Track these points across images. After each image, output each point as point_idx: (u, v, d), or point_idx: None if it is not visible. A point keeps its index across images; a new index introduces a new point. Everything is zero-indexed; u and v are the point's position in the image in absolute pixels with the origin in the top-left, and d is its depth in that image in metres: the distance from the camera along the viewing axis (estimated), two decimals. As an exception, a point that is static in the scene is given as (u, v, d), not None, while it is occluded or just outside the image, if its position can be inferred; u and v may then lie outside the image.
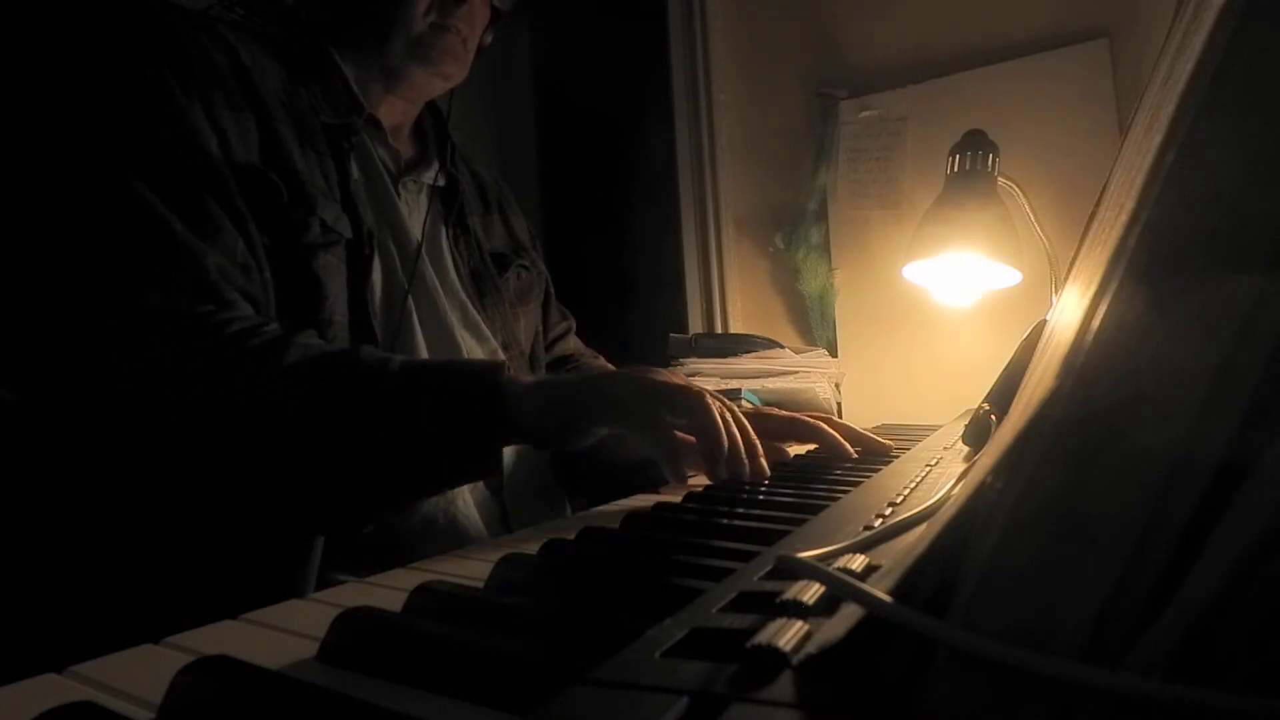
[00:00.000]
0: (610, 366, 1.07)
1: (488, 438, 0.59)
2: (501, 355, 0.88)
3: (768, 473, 0.61)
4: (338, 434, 0.59)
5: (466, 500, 0.77)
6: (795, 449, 0.91)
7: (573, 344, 1.09)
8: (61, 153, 0.67)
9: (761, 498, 0.55)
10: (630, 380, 0.61)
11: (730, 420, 0.60)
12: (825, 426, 0.78)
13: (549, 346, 1.04)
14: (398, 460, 0.60)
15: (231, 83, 0.70)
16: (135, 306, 0.60)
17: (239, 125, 0.69)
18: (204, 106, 0.67)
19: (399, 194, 0.83)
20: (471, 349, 0.84)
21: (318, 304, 0.70)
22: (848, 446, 0.76)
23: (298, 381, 0.59)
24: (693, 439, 0.58)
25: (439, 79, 0.84)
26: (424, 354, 0.79)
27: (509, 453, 0.84)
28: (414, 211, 0.85)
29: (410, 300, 0.78)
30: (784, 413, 0.85)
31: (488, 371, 0.60)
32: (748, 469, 0.59)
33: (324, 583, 0.65)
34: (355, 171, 0.78)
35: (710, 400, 0.59)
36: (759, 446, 0.62)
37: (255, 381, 0.59)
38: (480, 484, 0.80)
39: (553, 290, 1.07)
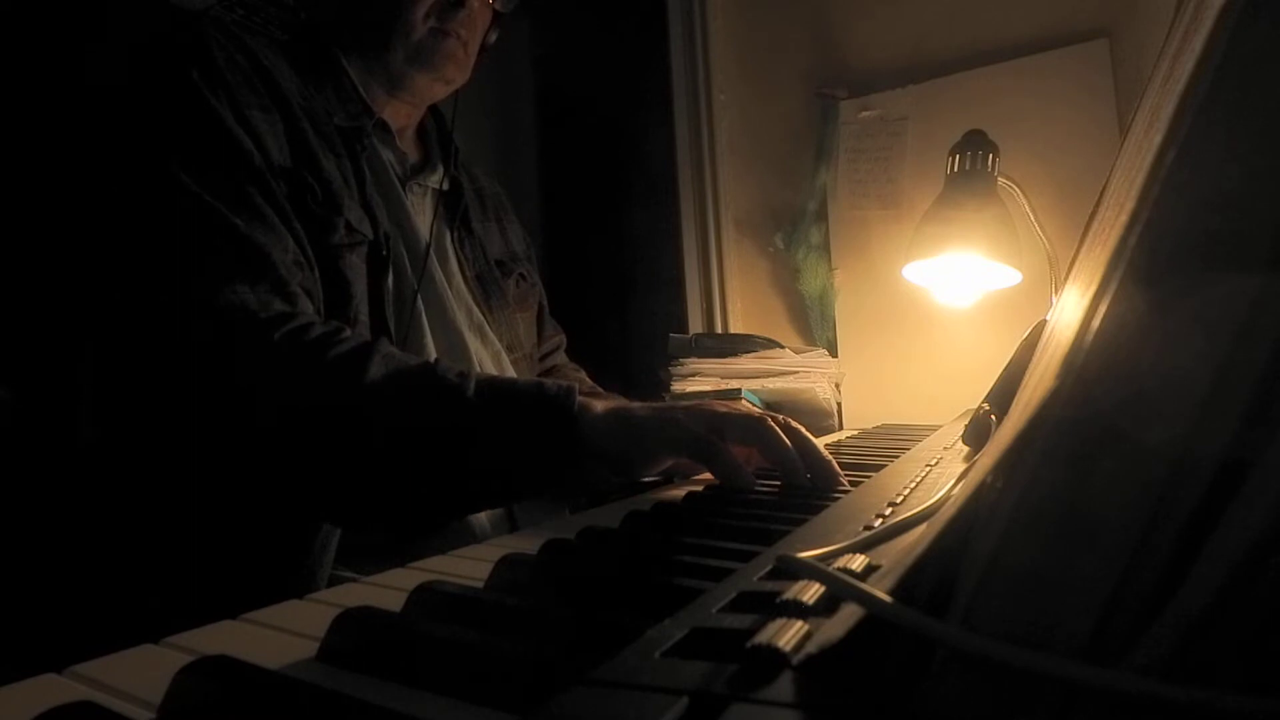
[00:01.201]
0: (588, 380, 1.07)
1: (559, 462, 0.60)
2: (506, 357, 0.89)
3: (842, 480, 0.60)
4: (414, 449, 0.59)
5: None
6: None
7: (559, 359, 1.10)
8: (105, 159, 0.66)
9: (761, 498, 0.55)
10: (694, 411, 0.62)
11: (794, 429, 0.61)
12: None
13: (540, 359, 1.04)
14: (469, 477, 0.60)
15: (257, 84, 0.70)
16: (210, 302, 0.59)
17: (270, 126, 0.69)
18: (233, 108, 0.66)
19: (406, 196, 0.84)
20: (477, 350, 0.84)
21: (345, 302, 0.70)
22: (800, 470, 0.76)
23: (380, 395, 0.59)
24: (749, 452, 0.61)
25: (441, 83, 0.84)
26: (432, 354, 0.79)
27: None
28: (420, 214, 0.85)
29: (420, 301, 0.79)
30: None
31: (563, 397, 0.60)
32: (830, 481, 0.58)
33: (330, 581, 0.65)
34: (367, 174, 0.78)
35: (768, 420, 0.61)
36: (826, 456, 0.62)
37: (338, 390, 0.59)
38: None
39: (546, 304, 1.07)
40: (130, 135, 0.66)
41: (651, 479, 0.76)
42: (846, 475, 0.61)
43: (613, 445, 0.60)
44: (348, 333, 0.63)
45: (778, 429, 0.60)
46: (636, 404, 0.66)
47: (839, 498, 0.50)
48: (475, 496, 0.62)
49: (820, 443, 0.62)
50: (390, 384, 0.59)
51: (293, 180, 0.68)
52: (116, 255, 0.63)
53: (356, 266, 0.72)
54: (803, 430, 0.62)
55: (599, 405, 0.62)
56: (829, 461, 0.60)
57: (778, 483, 0.59)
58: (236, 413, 0.60)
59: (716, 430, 0.60)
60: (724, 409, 0.62)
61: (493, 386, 0.62)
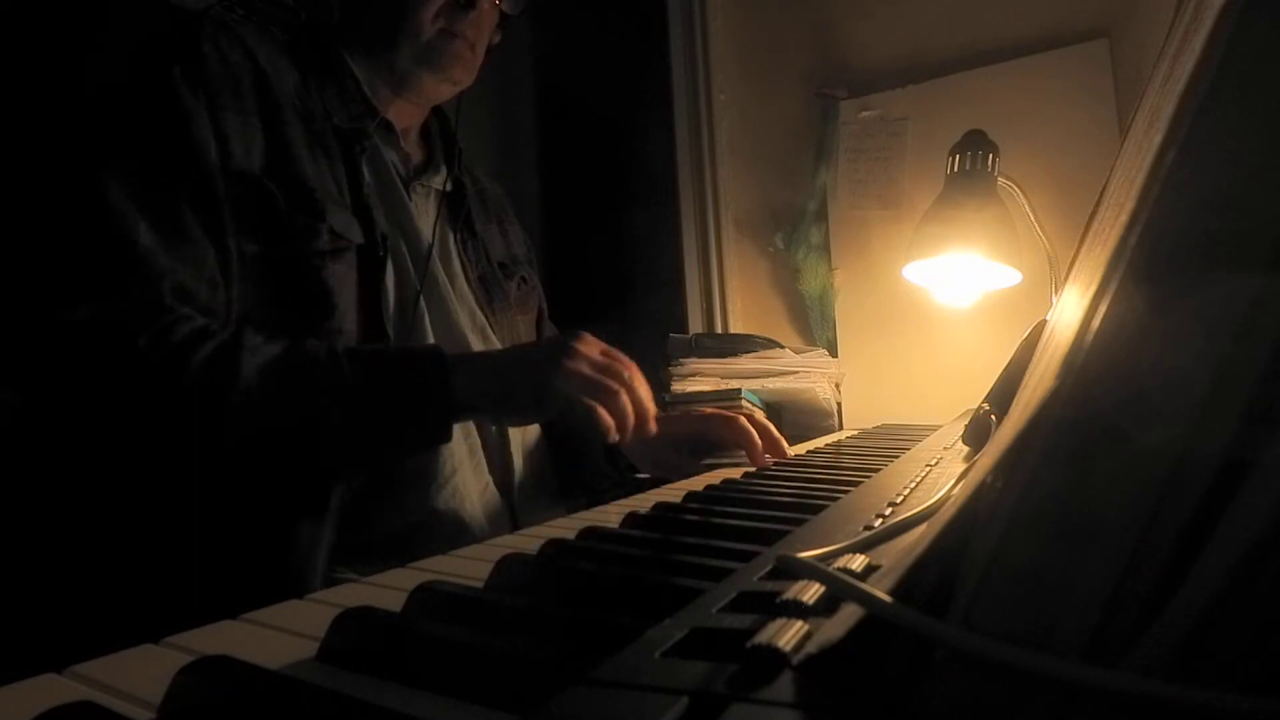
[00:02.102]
0: None
1: (439, 410, 0.64)
2: None
3: (653, 428, 0.69)
4: (297, 431, 0.62)
5: (473, 500, 0.77)
6: (796, 449, 0.91)
7: None
8: (51, 151, 0.67)
9: (761, 498, 0.55)
10: (562, 373, 0.65)
11: (639, 400, 0.67)
12: (748, 427, 0.80)
13: None
14: (353, 445, 0.64)
15: (245, 85, 0.70)
16: (68, 316, 0.59)
17: (243, 130, 0.68)
18: (209, 110, 0.66)
19: (409, 198, 0.83)
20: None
21: (327, 314, 0.69)
22: (761, 452, 0.79)
23: (255, 389, 0.60)
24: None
25: (448, 85, 0.84)
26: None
27: (517, 453, 0.85)
28: (423, 215, 0.85)
29: (422, 303, 0.79)
30: (708, 410, 0.90)
31: (432, 356, 0.64)
32: (646, 428, 0.67)
33: (327, 581, 0.65)
34: (367, 175, 0.77)
35: (624, 392, 0.65)
36: (772, 450, 0.67)
37: (207, 394, 0.60)
38: (489, 484, 0.80)
39: (546, 308, 1.07)
40: (82, 133, 0.66)
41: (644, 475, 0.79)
42: (846, 474, 0.61)
43: (482, 400, 0.65)
44: (213, 328, 0.63)
45: (626, 401, 0.65)
46: (506, 351, 0.74)
47: (838, 497, 0.50)
48: (364, 458, 0.67)
49: (819, 442, 0.63)
50: (261, 377, 0.61)
51: (254, 187, 0.67)
52: (25, 259, 0.64)
53: (343, 275, 0.71)
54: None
55: (471, 358, 0.67)
56: (776, 451, 0.66)
57: (778, 482, 0.59)
58: (116, 427, 0.62)
59: (585, 390, 0.64)
60: (585, 371, 0.66)
61: (361, 354, 0.65)
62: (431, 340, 0.79)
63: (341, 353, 0.63)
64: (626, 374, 0.67)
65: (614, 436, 0.65)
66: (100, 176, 0.62)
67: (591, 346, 0.67)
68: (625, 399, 0.65)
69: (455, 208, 0.90)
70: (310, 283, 0.69)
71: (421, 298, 0.79)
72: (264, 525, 0.65)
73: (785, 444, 0.80)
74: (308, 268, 0.69)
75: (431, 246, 0.81)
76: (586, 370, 0.65)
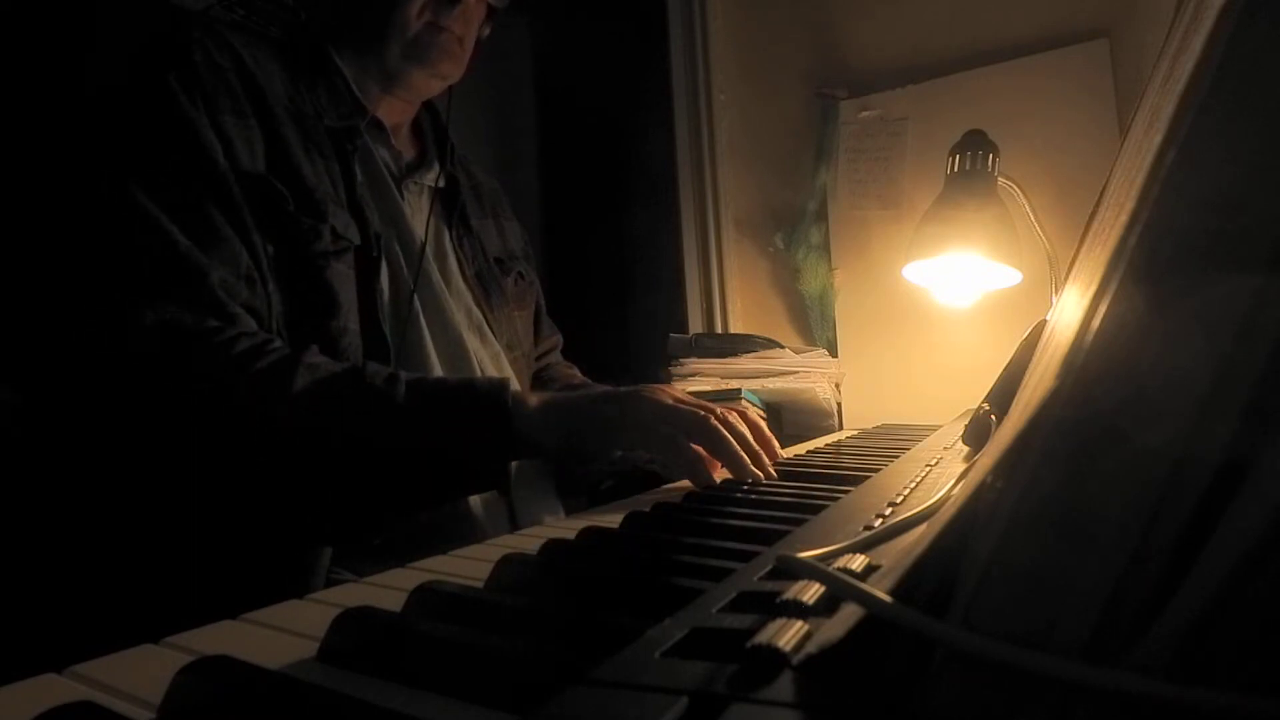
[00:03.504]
0: (579, 377, 1.07)
1: (493, 457, 0.61)
2: (505, 356, 0.88)
3: (773, 475, 0.63)
4: (346, 455, 0.60)
5: (473, 500, 0.77)
6: (796, 449, 0.91)
7: (555, 359, 1.09)
8: (69, 160, 0.67)
9: (761, 498, 0.55)
10: (642, 402, 0.63)
11: (736, 429, 0.62)
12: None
13: (536, 359, 1.04)
14: (405, 477, 0.61)
15: (237, 89, 0.70)
16: (137, 321, 0.60)
17: (244, 133, 0.69)
18: (209, 114, 0.67)
19: (402, 196, 0.83)
20: (477, 349, 0.84)
21: (332, 313, 0.70)
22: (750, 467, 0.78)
23: (306, 406, 0.59)
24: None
25: (436, 79, 0.84)
26: (431, 355, 0.79)
27: None
28: (417, 213, 0.85)
29: (417, 301, 0.78)
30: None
31: (495, 392, 0.61)
32: (761, 475, 0.61)
33: (327, 582, 0.65)
34: (359, 174, 0.77)
35: (712, 417, 0.61)
36: (764, 450, 0.65)
37: (263, 405, 0.60)
38: None
39: (543, 304, 1.07)
40: (97, 143, 0.66)
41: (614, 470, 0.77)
42: (846, 474, 0.61)
43: (551, 436, 0.61)
44: (276, 343, 0.63)
45: (720, 427, 0.61)
46: (578, 394, 0.67)
47: (838, 497, 0.50)
48: (415, 496, 0.64)
49: (819, 442, 0.62)
50: (315, 394, 0.60)
51: (263, 188, 0.68)
52: (70, 268, 0.64)
53: (344, 274, 0.71)
54: (749, 416, 0.64)
55: (534, 398, 0.63)
56: (763, 464, 0.62)
57: (778, 482, 0.59)
58: (170, 430, 0.61)
59: (669, 422, 0.61)
60: (670, 400, 0.63)
61: (421, 387, 0.62)
62: (428, 339, 0.79)
63: (401, 379, 0.62)
64: (720, 411, 0.63)
65: (701, 475, 0.59)
66: (128, 185, 0.62)
67: (676, 390, 0.65)
68: (719, 429, 0.60)
69: (449, 204, 0.90)
70: (314, 282, 0.69)
71: (416, 296, 0.78)
72: (277, 535, 0.65)
73: (776, 444, 0.76)
74: (312, 268, 0.69)
75: (424, 244, 0.81)
76: (668, 400, 0.62)
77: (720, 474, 0.62)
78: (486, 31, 0.88)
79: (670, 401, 0.63)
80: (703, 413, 0.62)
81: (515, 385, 0.81)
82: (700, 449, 0.60)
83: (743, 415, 0.78)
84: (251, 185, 0.67)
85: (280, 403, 0.59)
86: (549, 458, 0.63)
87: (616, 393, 0.66)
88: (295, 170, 0.70)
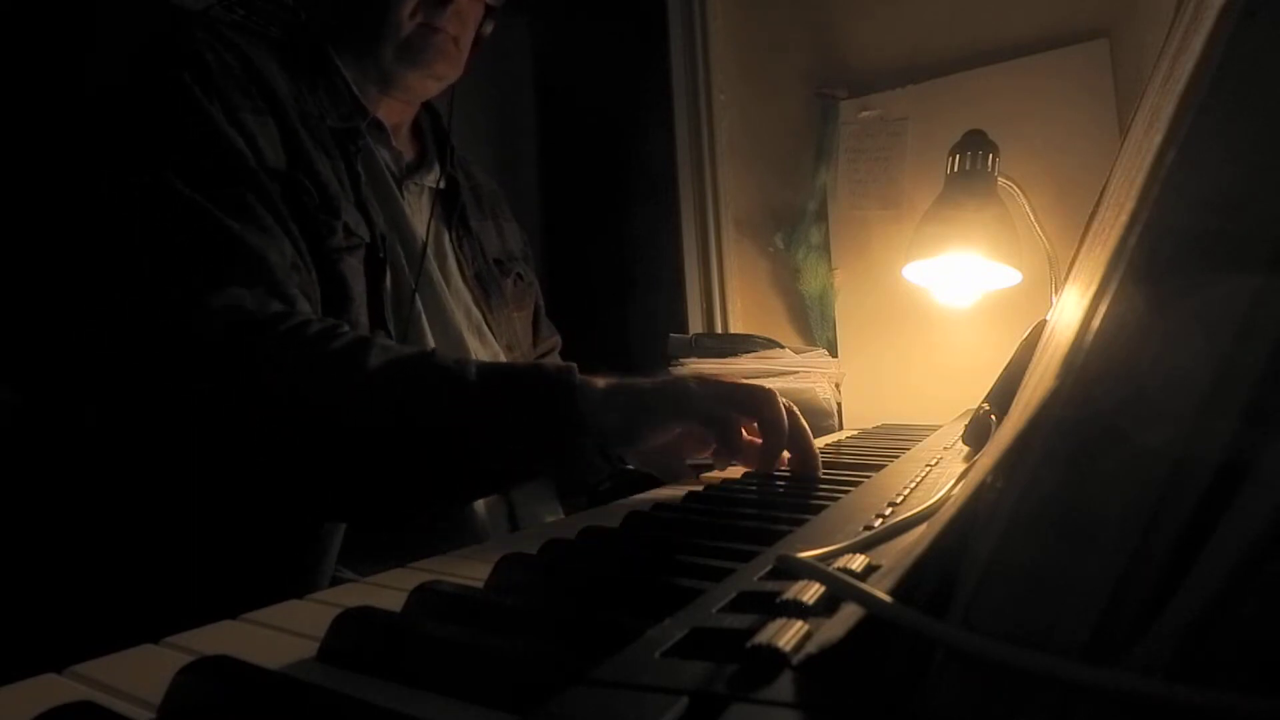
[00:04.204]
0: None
1: (563, 439, 0.61)
2: (505, 357, 0.89)
3: (819, 469, 0.65)
4: (418, 435, 0.60)
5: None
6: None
7: (553, 359, 1.09)
8: (71, 160, 0.66)
9: (761, 498, 0.55)
10: (704, 382, 0.64)
11: (795, 421, 0.64)
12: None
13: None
14: (474, 459, 0.61)
15: (249, 86, 0.70)
16: (204, 308, 0.59)
17: (264, 129, 0.68)
18: (226, 110, 0.66)
19: (402, 196, 0.83)
20: (476, 351, 0.84)
21: (345, 308, 0.70)
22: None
23: (381, 384, 0.59)
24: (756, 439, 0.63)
25: (432, 80, 0.84)
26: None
27: None
28: (417, 214, 0.85)
29: (418, 301, 0.79)
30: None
31: (564, 376, 0.61)
32: (811, 468, 0.64)
33: (332, 581, 0.65)
34: (363, 174, 0.78)
35: (777, 398, 0.63)
36: (814, 447, 0.66)
37: (339, 383, 0.59)
38: None
39: (542, 305, 1.07)
40: (124, 139, 0.66)
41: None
42: (847, 474, 0.61)
43: (614, 417, 0.61)
44: (345, 328, 0.63)
45: (781, 408, 0.62)
46: (639, 378, 0.67)
47: (838, 497, 0.50)
48: (483, 478, 0.63)
49: (819, 442, 0.63)
50: (390, 373, 0.60)
51: (288, 182, 0.68)
52: (115, 261, 0.63)
53: (355, 269, 0.72)
54: (800, 418, 0.64)
55: (601, 381, 0.64)
56: (814, 452, 0.64)
57: (778, 482, 0.59)
58: (238, 413, 0.60)
59: (728, 402, 0.62)
60: (731, 381, 0.64)
61: (492, 368, 0.63)
62: (429, 338, 0.79)
63: (471, 363, 0.62)
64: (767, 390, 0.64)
65: (748, 459, 0.62)
66: (163, 175, 0.62)
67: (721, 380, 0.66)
68: (776, 407, 0.62)
69: (449, 205, 0.90)
70: (331, 276, 0.70)
71: (417, 296, 0.78)
72: (291, 527, 0.65)
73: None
74: (328, 262, 0.69)
75: (425, 245, 0.81)
76: (725, 380, 0.64)
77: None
78: (489, 30, 0.88)
79: (729, 382, 0.64)
80: (765, 391, 0.63)
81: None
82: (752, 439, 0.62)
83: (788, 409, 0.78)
84: (278, 179, 0.67)
85: (355, 382, 0.59)
86: (615, 440, 0.63)
87: (671, 377, 0.66)
88: (311, 166, 0.70)
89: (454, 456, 0.60)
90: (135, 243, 0.62)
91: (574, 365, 0.63)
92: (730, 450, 0.62)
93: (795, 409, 0.65)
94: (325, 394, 0.59)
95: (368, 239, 0.73)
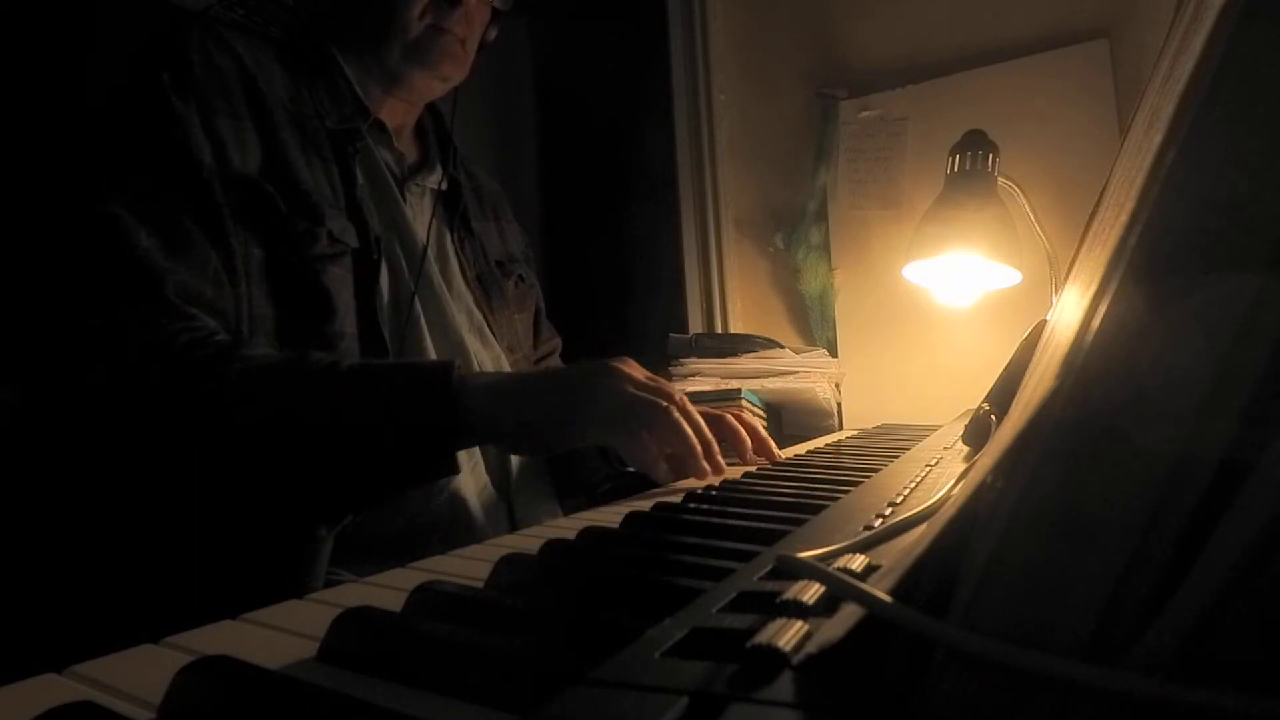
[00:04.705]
0: None
1: (439, 441, 0.58)
2: (506, 359, 0.89)
3: (723, 470, 0.65)
4: (289, 441, 0.59)
5: (472, 500, 0.77)
6: (796, 449, 0.91)
7: (554, 362, 1.09)
8: (54, 163, 0.67)
9: (761, 498, 0.55)
10: (597, 392, 0.61)
11: (693, 418, 0.63)
12: (735, 425, 0.79)
13: (535, 363, 1.04)
14: (351, 464, 0.59)
15: (236, 90, 0.70)
16: (89, 326, 0.60)
17: (238, 135, 0.68)
18: (201, 115, 0.66)
19: (404, 198, 0.83)
20: (478, 352, 0.84)
21: (328, 318, 0.69)
22: (749, 450, 0.77)
23: (246, 392, 0.58)
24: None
25: (438, 81, 0.84)
26: (432, 357, 0.78)
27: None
28: (419, 215, 0.85)
29: (417, 304, 0.78)
30: (698, 409, 0.87)
31: (439, 372, 0.59)
32: (709, 470, 0.63)
33: (325, 582, 0.65)
34: (360, 177, 0.77)
35: (673, 408, 0.61)
36: (761, 451, 0.65)
37: (204, 393, 0.59)
38: (488, 484, 0.80)
39: (543, 308, 1.06)
40: (79, 145, 0.66)
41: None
42: (846, 474, 0.61)
43: (502, 422, 0.59)
44: (220, 338, 0.61)
45: (680, 418, 0.61)
46: (531, 374, 0.66)
47: (838, 497, 0.50)
48: (361, 485, 0.61)
49: (819, 442, 0.62)
50: (255, 379, 0.59)
51: (254, 190, 0.67)
52: (42, 274, 0.64)
53: (341, 278, 0.71)
54: (746, 418, 0.64)
55: (484, 378, 0.62)
56: (764, 453, 0.64)
57: (778, 482, 0.59)
58: (125, 430, 0.60)
59: (625, 415, 0.60)
60: (629, 388, 0.62)
61: (367, 367, 0.61)
62: (429, 341, 0.79)
63: (343, 365, 0.60)
64: (679, 396, 0.62)
65: (662, 474, 0.61)
66: (99, 188, 0.62)
67: (634, 369, 0.63)
68: (680, 421, 0.60)
69: (451, 206, 0.90)
70: (311, 286, 0.69)
71: (416, 299, 0.78)
72: (262, 531, 0.64)
73: (774, 445, 0.78)
74: (308, 271, 0.69)
75: (425, 247, 0.81)
76: (627, 389, 0.61)
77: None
78: (493, 35, 0.88)
79: (629, 390, 0.62)
80: (663, 403, 0.61)
81: (469, 368, 0.81)
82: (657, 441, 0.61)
83: (739, 416, 0.78)
84: (241, 187, 0.67)
85: (221, 390, 0.58)
86: (504, 446, 0.62)
87: (568, 379, 0.64)
88: (291, 173, 0.70)
89: (330, 461, 0.58)
90: (55, 256, 0.63)
91: (454, 361, 0.61)
92: (645, 466, 0.61)
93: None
94: (193, 404, 0.59)
95: (355, 245, 0.73)
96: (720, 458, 0.65)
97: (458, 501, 0.75)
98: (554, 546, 0.39)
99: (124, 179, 0.63)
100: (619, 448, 0.62)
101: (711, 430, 0.79)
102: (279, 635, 0.29)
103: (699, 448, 0.62)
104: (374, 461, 0.59)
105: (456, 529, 0.74)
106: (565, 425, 0.61)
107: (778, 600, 0.24)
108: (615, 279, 1.87)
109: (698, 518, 0.48)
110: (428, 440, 0.58)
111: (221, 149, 0.66)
